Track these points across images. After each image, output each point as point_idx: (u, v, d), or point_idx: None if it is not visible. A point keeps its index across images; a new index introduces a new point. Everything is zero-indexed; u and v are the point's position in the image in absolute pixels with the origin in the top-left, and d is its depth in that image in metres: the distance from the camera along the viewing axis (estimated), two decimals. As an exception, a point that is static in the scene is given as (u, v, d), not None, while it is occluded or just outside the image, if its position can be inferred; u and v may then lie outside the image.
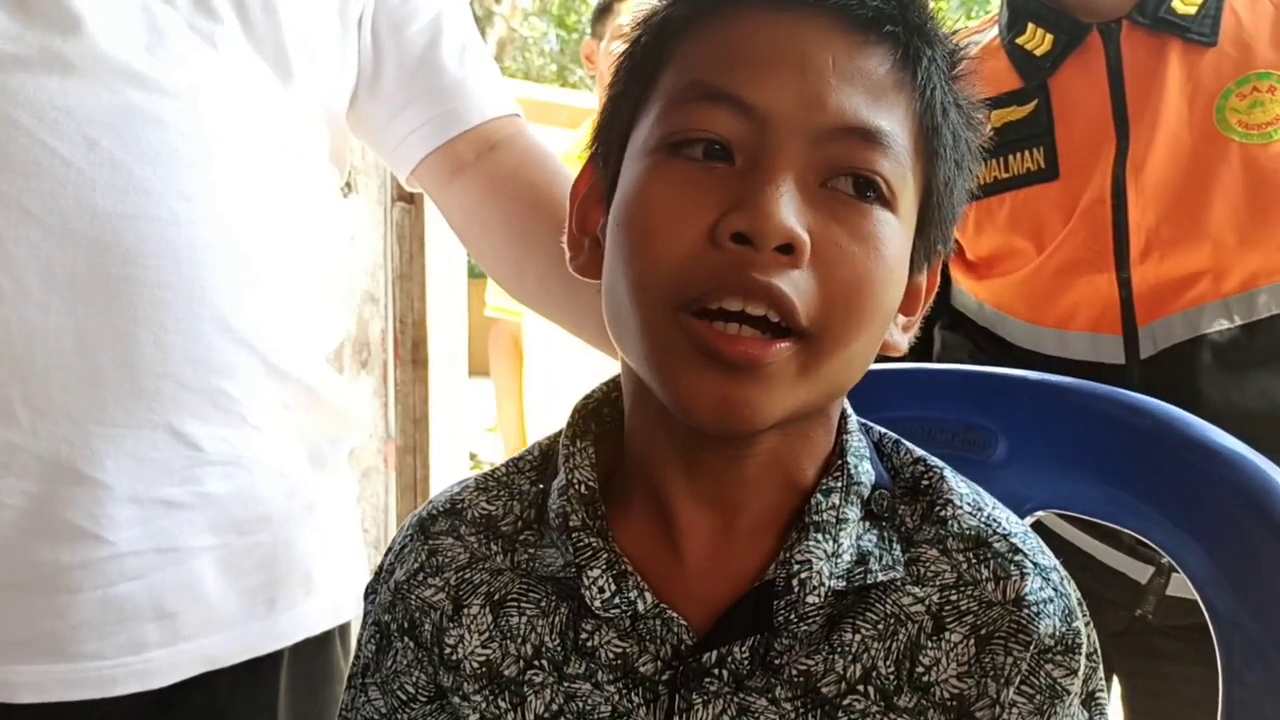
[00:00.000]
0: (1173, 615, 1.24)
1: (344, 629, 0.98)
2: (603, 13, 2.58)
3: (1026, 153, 1.26)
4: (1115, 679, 1.34)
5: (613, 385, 0.68)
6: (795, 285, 0.54)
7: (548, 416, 2.60)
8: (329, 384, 0.93)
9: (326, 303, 0.93)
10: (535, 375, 2.64)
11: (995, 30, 1.31)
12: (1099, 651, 0.63)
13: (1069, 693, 0.60)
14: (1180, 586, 1.21)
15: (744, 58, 0.57)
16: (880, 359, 0.62)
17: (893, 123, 0.57)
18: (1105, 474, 0.82)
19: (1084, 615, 0.62)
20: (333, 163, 0.95)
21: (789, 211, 0.54)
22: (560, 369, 2.53)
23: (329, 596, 0.93)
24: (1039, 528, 0.65)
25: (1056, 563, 0.62)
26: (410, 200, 2.27)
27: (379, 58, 0.97)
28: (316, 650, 0.93)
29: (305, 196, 0.90)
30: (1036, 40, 1.26)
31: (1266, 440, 0.83)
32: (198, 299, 0.79)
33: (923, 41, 0.59)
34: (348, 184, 2.06)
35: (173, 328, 0.78)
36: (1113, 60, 1.22)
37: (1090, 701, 0.62)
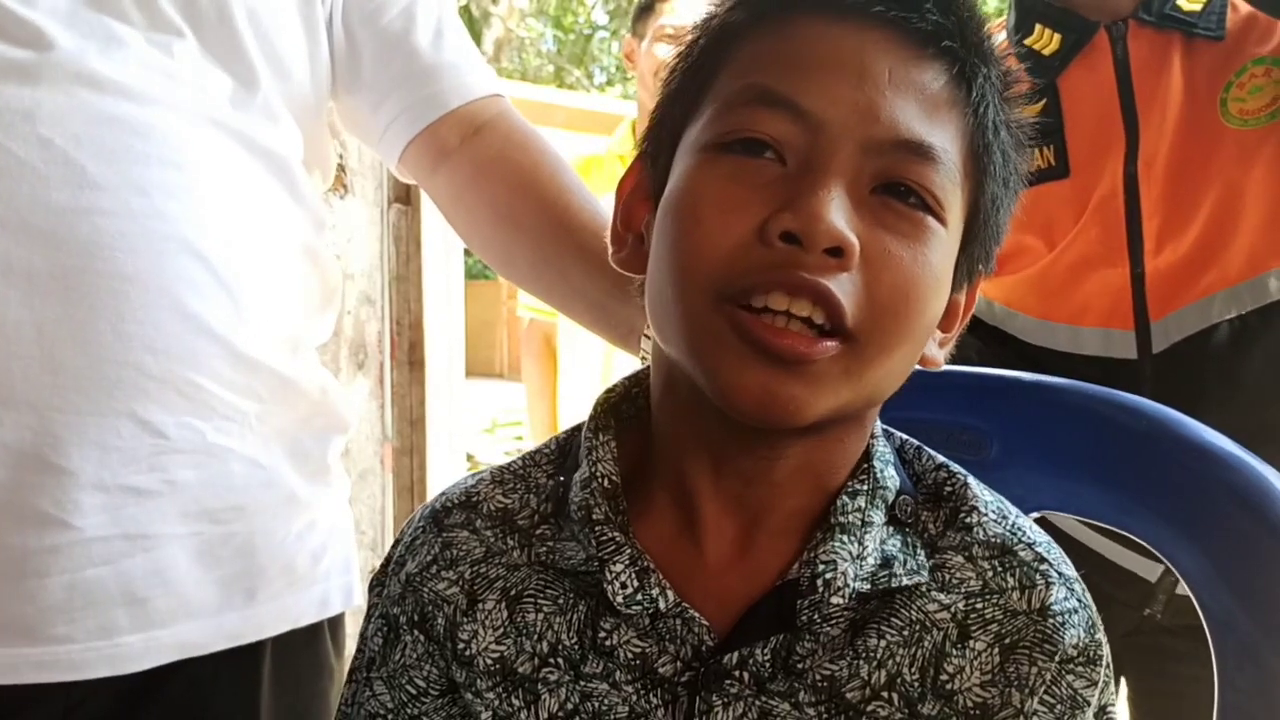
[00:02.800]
0: (1182, 614, 1.24)
1: (334, 624, 0.98)
2: (644, 12, 2.57)
3: (1036, 151, 1.27)
4: (1123, 680, 1.34)
5: (633, 381, 0.68)
6: (842, 288, 0.55)
7: (578, 414, 2.60)
8: (309, 377, 0.93)
9: (301, 297, 0.93)
10: (569, 374, 2.64)
11: (1002, 35, 1.32)
12: (1112, 664, 0.63)
13: (1088, 704, 0.60)
14: None
15: (802, 64, 0.58)
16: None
17: (945, 139, 0.58)
18: (1099, 475, 0.82)
19: (1101, 627, 0.62)
20: (310, 163, 0.96)
21: (839, 215, 0.55)
22: (595, 367, 2.53)
23: (316, 590, 0.93)
24: (1048, 528, 0.66)
25: (1078, 573, 0.63)
26: (407, 202, 2.26)
27: (355, 52, 0.98)
28: (303, 643, 0.93)
29: (272, 195, 0.90)
30: (1045, 40, 1.27)
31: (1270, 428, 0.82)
32: (155, 289, 0.79)
33: (979, 59, 0.59)
34: (344, 186, 2.06)
35: (130, 317, 0.79)
36: (1120, 58, 1.24)
37: (1102, 714, 0.62)
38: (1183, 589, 1.22)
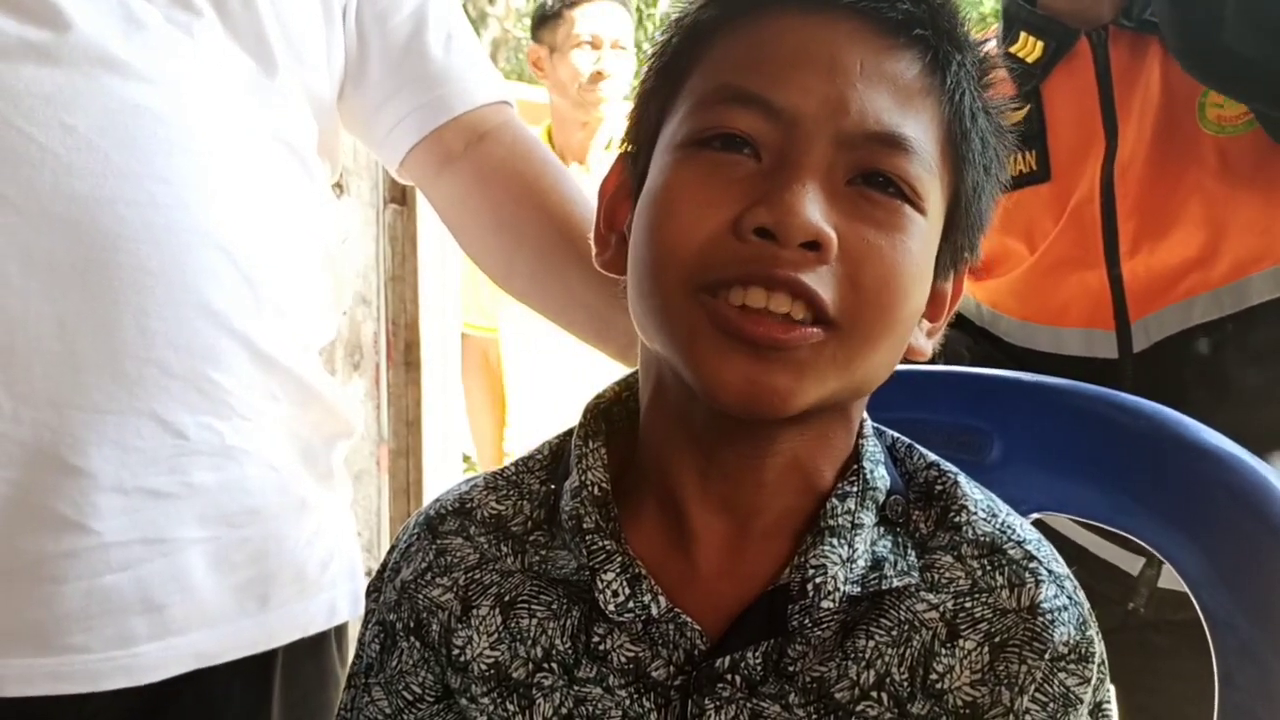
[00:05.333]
0: (1165, 609, 1.25)
1: (340, 631, 0.97)
2: (548, 20, 2.55)
3: (1019, 156, 1.29)
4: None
5: (622, 386, 0.68)
6: (821, 280, 0.55)
7: (525, 430, 2.61)
8: (321, 379, 0.92)
9: (316, 295, 0.93)
10: (514, 390, 2.64)
11: (994, 41, 1.33)
12: (1106, 661, 0.63)
13: (1081, 701, 0.60)
14: (1172, 579, 1.23)
15: (772, 59, 0.58)
16: (904, 363, 0.62)
17: (919, 128, 0.58)
18: (1100, 476, 0.82)
19: (1094, 624, 0.62)
20: (322, 155, 0.95)
21: (814, 209, 0.55)
22: (538, 382, 2.54)
23: (324, 597, 0.92)
24: (1037, 523, 0.66)
25: (1069, 570, 0.63)
26: (402, 202, 2.26)
27: (364, 48, 0.97)
28: (311, 652, 0.92)
29: (291, 187, 0.89)
30: (1028, 48, 1.29)
31: (1259, 432, 0.83)
32: (179, 283, 0.78)
33: (952, 46, 0.59)
34: (339, 185, 2.05)
35: (154, 312, 0.77)
36: (1100, 64, 1.25)
37: (1097, 711, 0.62)
38: (1164, 583, 1.25)
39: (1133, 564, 1.26)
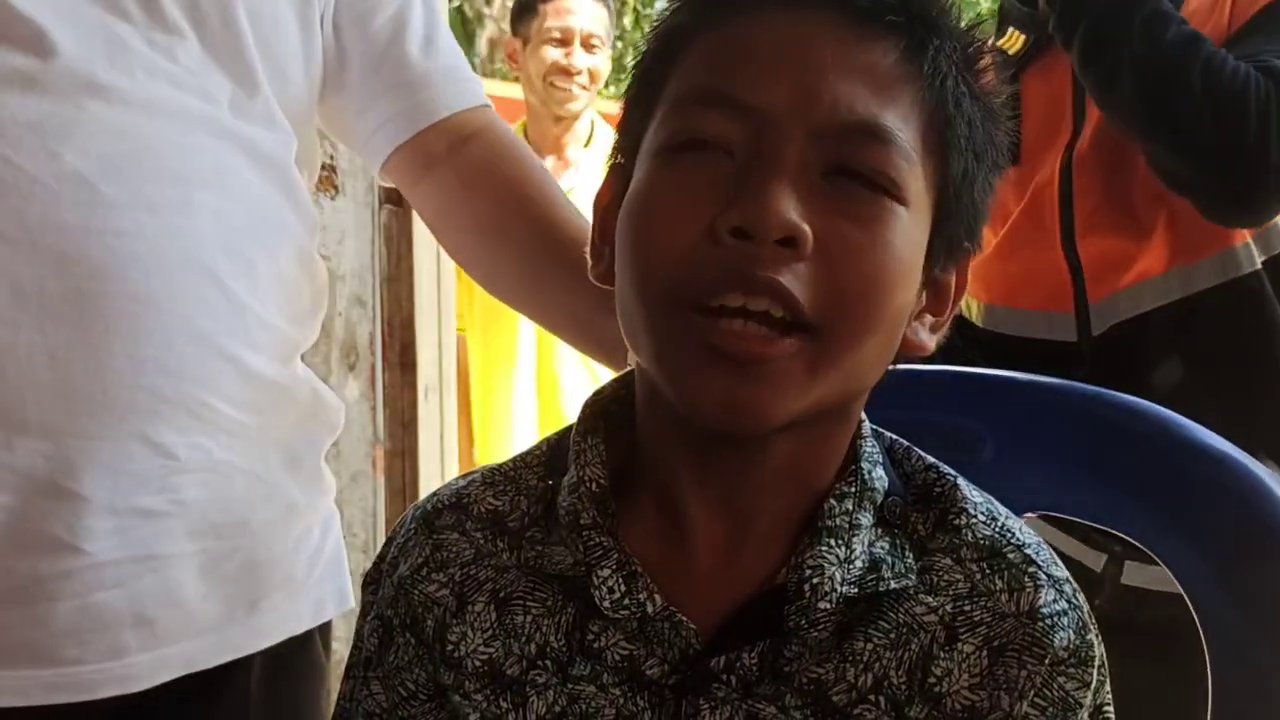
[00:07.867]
0: (1129, 606, 1.26)
1: (324, 626, 0.98)
2: (524, 13, 2.56)
3: None
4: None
5: (622, 382, 0.67)
6: (800, 278, 0.54)
7: (490, 436, 2.65)
8: (305, 385, 0.92)
9: (300, 304, 0.93)
10: (477, 394, 2.65)
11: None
12: (1106, 664, 0.62)
13: (1081, 705, 0.59)
14: (1134, 575, 1.27)
15: (742, 58, 0.57)
16: (906, 360, 0.62)
17: (896, 116, 0.57)
18: (1094, 476, 0.82)
19: (1094, 627, 0.61)
20: (301, 165, 0.95)
21: (788, 204, 0.54)
22: (501, 389, 2.56)
23: (312, 596, 0.93)
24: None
25: (1068, 574, 0.62)
26: (398, 203, 2.25)
27: (343, 53, 0.96)
28: (298, 647, 0.93)
29: (274, 203, 0.89)
30: (1011, 41, 1.35)
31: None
32: (168, 310, 0.79)
33: (929, 31, 0.58)
34: (334, 186, 2.05)
35: (145, 340, 0.78)
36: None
37: (1097, 714, 0.62)
38: (1127, 579, 1.25)
39: (1096, 560, 1.28)
